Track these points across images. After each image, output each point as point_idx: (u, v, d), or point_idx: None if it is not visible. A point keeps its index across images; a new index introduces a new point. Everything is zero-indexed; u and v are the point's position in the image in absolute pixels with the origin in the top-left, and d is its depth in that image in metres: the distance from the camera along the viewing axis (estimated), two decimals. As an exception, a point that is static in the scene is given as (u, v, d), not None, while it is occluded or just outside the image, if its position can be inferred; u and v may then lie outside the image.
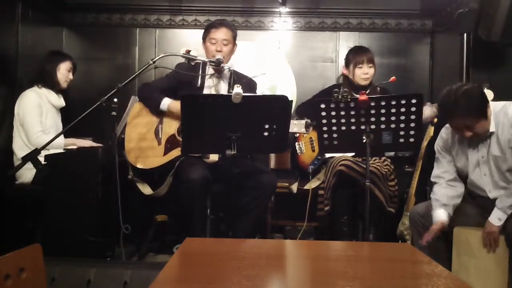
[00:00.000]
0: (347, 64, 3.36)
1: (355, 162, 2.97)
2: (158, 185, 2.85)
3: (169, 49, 3.84)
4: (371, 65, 3.29)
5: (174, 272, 1.41)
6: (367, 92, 3.17)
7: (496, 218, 2.32)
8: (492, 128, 2.34)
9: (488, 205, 2.42)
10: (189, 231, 2.70)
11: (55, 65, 3.19)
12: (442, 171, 2.57)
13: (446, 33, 3.73)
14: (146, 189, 2.91)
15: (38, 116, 3.07)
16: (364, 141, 2.47)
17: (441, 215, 2.45)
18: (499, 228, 2.31)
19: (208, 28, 3.00)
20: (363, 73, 3.25)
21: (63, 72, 3.22)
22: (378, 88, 3.30)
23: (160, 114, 2.93)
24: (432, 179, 2.62)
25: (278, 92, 3.93)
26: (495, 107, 2.36)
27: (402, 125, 2.46)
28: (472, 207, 2.55)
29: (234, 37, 3.02)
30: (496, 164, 2.37)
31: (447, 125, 2.52)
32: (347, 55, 3.38)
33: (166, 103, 2.89)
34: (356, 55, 3.29)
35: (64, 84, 3.24)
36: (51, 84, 3.18)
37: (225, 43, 2.95)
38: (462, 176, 2.56)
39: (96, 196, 2.73)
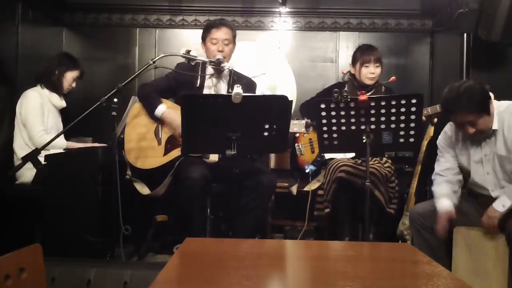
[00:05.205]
0: (353, 62, 3.30)
1: (354, 166, 2.96)
2: (158, 185, 2.85)
3: (169, 49, 3.84)
4: (378, 64, 3.22)
5: (174, 272, 1.41)
6: (372, 91, 3.17)
7: (500, 205, 2.29)
8: (495, 126, 2.34)
9: (490, 204, 2.41)
10: (189, 231, 2.70)
11: (63, 70, 3.20)
12: (445, 167, 2.56)
13: (446, 33, 3.73)
14: (144, 189, 2.91)
15: (41, 116, 3.08)
16: (364, 141, 2.47)
17: (445, 204, 2.43)
18: (501, 214, 2.28)
19: (208, 28, 2.98)
20: (369, 73, 3.20)
21: (69, 80, 3.23)
22: (383, 88, 3.29)
23: (155, 119, 2.92)
24: (433, 176, 2.61)
25: (278, 92, 3.93)
26: (499, 105, 2.36)
27: (402, 125, 2.46)
28: (473, 206, 2.55)
29: (234, 37, 3.01)
30: (501, 164, 2.37)
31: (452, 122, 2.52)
32: (355, 53, 3.33)
33: (161, 110, 2.87)
34: (363, 53, 3.24)
35: (66, 91, 3.26)
36: (55, 87, 3.18)
37: (226, 43, 2.94)
38: (464, 174, 2.56)
39: (96, 196, 2.73)
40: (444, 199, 2.46)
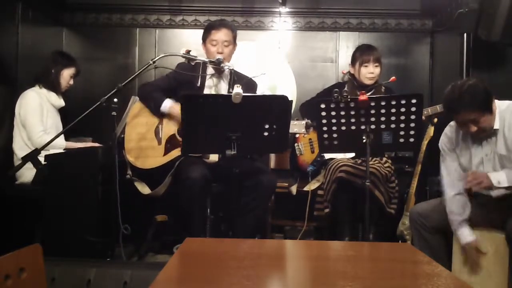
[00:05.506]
0: (353, 62, 3.30)
1: (354, 166, 2.96)
2: (158, 185, 2.85)
3: (169, 49, 3.84)
4: (377, 64, 3.23)
5: (174, 272, 1.41)
6: (372, 91, 3.18)
7: (497, 180, 2.26)
8: (496, 125, 2.34)
9: (490, 204, 2.42)
10: (189, 231, 2.70)
11: (60, 68, 3.20)
12: (452, 174, 2.53)
13: (446, 33, 3.73)
14: (144, 189, 2.91)
15: (40, 116, 3.08)
16: (364, 141, 2.47)
17: (468, 235, 2.40)
18: (490, 185, 2.27)
19: (208, 29, 2.98)
20: (369, 72, 3.21)
21: (66, 78, 3.23)
22: (383, 88, 3.29)
23: (160, 115, 2.93)
24: (444, 188, 2.55)
25: (278, 92, 3.93)
26: (500, 105, 2.35)
27: (402, 125, 2.46)
28: (473, 206, 2.54)
29: (235, 37, 3.01)
30: (501, 163, 2.36)
31: (451, 123, 2.52)
32: (354, 53, 3.33)
33: (167, 105, 2.89)
34: (362, 53, 3.24)
35: (64, 89, 3.26)
36: (53, 86, 3.18)
37: (226, 44, 2.94)
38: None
39: (96, 196, 2.73)
40: (465, 228, 2.41)
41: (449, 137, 2.55)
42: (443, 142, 2.58)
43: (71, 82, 3.28)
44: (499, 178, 2.27)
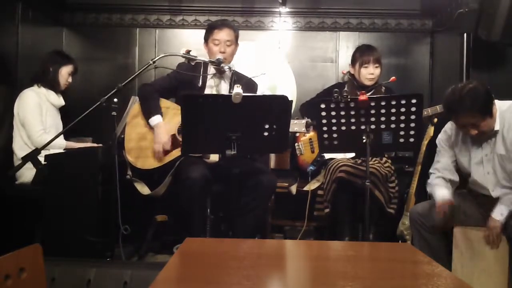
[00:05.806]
0: (353, 63, 3.31)
1: (354, 166, 2.96)
2: (158, 185, 2.85)
3: (169, 49, 3.84)
4: (377, 65, 3.23)
5: (174, 272, 1.41)
6: (372, 91, 3.18)
7: (499, 213, 2.32)
8: (497, 127, 2.34)
9: (490, 204, 2.42)
10: (189, 231, 2.70)
11: (58, 67, 3.20)
12: (442, 166, 2.56)
13: (446, 33, 3.73)
14: (144, 189, 2.91)
15: (39, 115, 3.07)
16: (364, 141, 2.47)
17: (445, 193, 2.44)
18: (501, 223, 2.31)
19: (210, 29, 2.98)
20: (369, 73, 3.21)
21: (64, 76, 3.23)
22: (383, 88, 3.29)
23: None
24: (431, 172, 2.62)
25: (278, 92, 3.93)
26: (501, 105, 2.35)
27: (402, 125, 2.46)
28: (473, 206, 2.55)
29: (237, 37, 3.01)
30: (501, 163, 2.37)
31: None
32: (354, 54, 3.33)
33: (156, 121, 2.86)
34: (362, 54, 3.24)
35: (63, 87, 3.26)
36: (51, 85, 3.18)
37: (228, 44, 2.94)
38: (464, 174, 2.56)
39: (96, 196, 2.72)
40: (445, 189, 2.47)
41: (448, 135, 2.56)
42: (441, 139, 2.59)
43: (70, 80, 3.28)
44: (500, 211, 2.33)
